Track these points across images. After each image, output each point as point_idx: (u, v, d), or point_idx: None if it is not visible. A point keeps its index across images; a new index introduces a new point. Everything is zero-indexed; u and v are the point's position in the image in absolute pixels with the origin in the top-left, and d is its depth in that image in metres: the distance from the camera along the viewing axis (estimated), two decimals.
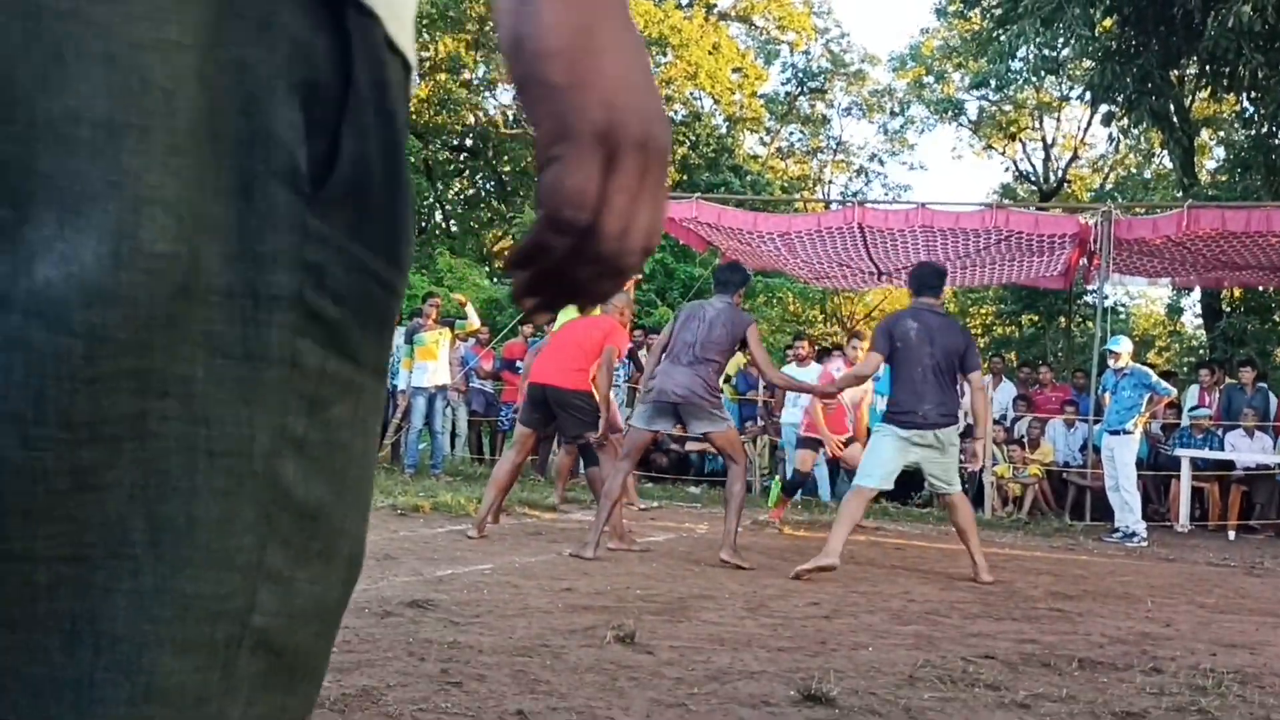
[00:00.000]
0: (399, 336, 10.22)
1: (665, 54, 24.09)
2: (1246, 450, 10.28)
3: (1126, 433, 8.95)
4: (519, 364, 10.77)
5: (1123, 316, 24.48)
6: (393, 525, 6.69)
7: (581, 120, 0.56)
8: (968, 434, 6.64)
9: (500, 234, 26.94)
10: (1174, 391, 9.89)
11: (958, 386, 6.10)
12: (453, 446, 12.01)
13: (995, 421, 10.48)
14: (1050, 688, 3.35)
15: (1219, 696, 3.33)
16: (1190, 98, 17.53)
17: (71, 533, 0.49)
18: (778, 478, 10.98)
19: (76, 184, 0.48)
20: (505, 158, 26.12)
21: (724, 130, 26.09)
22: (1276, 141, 14.54)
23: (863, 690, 3.20)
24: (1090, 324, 15.02)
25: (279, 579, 0.54)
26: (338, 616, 0.60)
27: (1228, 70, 13.41)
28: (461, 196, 27.21)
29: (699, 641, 3.80)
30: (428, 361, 10.43)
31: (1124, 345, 9.31)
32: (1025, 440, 11.01)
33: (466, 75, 23.53)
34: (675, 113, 24.57)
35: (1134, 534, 8.70)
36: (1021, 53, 18.65)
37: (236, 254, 0.51)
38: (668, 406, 5.96)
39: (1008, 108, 26.99)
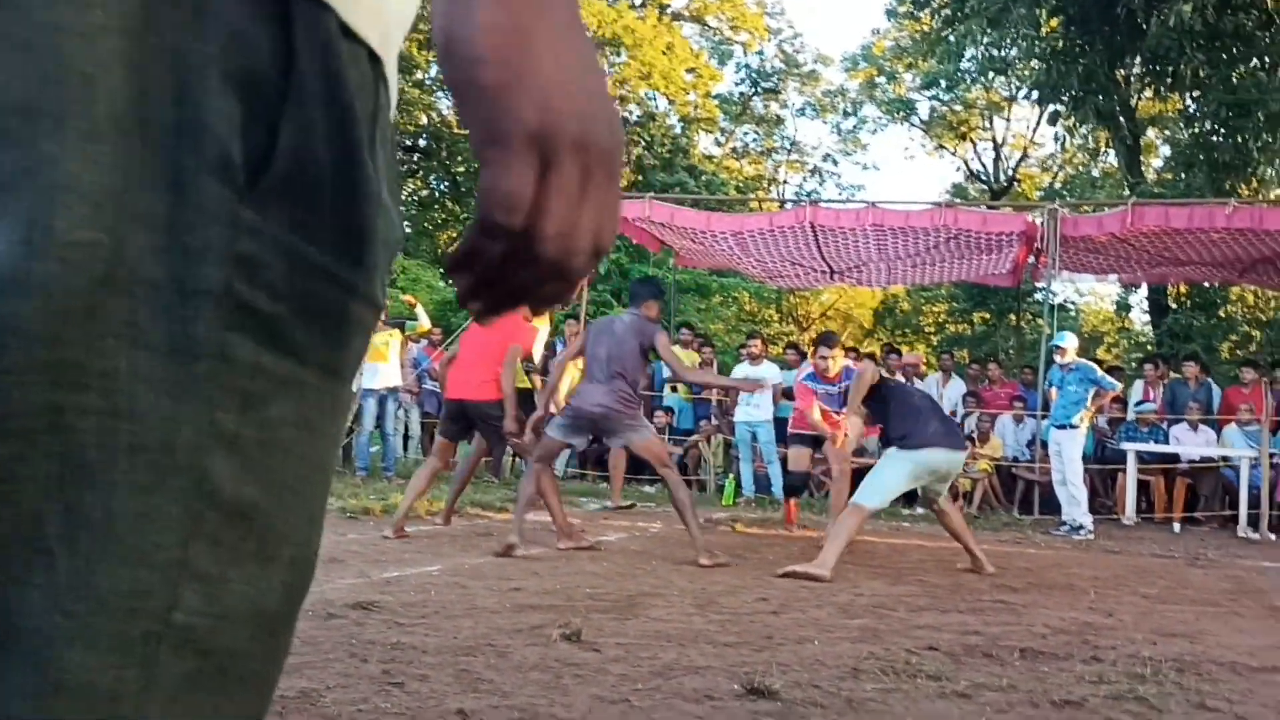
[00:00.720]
0: None
1: (619, 54, 24.11)
2: (1191, 443, 10.46)
3: (1073, 427, 9.07)
4: None
5: (1072, 313, 24.83)
6: (342, 528, 6.63)
7: (513, 123, 0.55)
8: None
9: (454, 234, 26.80)
10: (1119, 386, 10.03)
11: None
12: (405, 448, 11.94)
13: None
14: (991, 677, 3.39)
15: (1156, 684, 3.37)
16: (1135, 97, 17.82)
17: None
18: (732, 476, 11.05)
19: None
20: (459, 158, 25.99)
21: (679, 131, 26.15)
22: (1217, 139, 14.81)
23: (805, 683, 3.21)
24: (1041, 321, 15.21)
25: (205, 578, 0.53)
26: (282, 621, 0.58)
27: (1171, 69, 13.66)
28: (415, 198, 27.04)
29: (646, 638, 3.80)
30: (377, 363, 10.42)
31: (1070, 341, 9.43)
32: (975, 436, 11.13)
33: (419, 75, 23.38)
34: (630, 113, 24.62)
35: (1081, 527, 8.82)
36: (970, 53, 18.91)
37: (164, 246, 0.50)
38: (585, 422, 6.05)
39: (958, 108, 27.31)
